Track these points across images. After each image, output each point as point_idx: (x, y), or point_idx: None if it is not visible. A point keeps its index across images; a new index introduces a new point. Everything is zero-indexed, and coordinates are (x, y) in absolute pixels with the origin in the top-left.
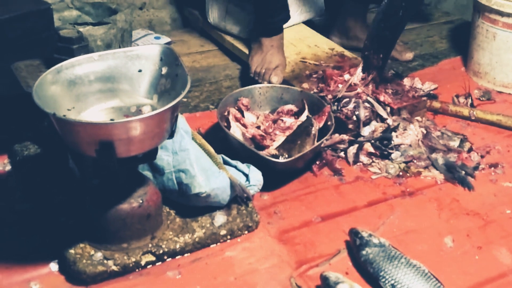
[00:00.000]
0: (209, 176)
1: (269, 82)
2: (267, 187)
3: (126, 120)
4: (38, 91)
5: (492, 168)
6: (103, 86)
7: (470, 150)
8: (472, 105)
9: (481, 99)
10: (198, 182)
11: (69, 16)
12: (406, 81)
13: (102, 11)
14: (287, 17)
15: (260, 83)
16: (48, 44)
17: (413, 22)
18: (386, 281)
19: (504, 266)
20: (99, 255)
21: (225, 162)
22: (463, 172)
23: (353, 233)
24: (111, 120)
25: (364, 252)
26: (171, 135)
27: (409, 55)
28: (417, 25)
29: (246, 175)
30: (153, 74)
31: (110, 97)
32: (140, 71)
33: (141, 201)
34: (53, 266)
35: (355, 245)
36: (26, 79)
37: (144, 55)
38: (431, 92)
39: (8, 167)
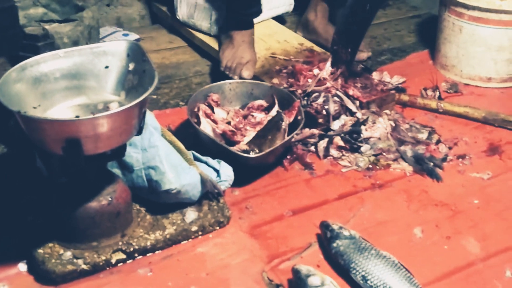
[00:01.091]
0: (179, 172)
1: (240, 76)
2: (238, 182)
3: (93, 116)
4: (2, 89)
5: (460, 159)
6: (69, 83)
7: (438, 142)
8: (439, 98)
9: (448, 91)
10: (168, 179)
11: (35, 14)
12: (375, 75)
13: (69, 8)
14: (259, 11)
15: (231, 77)
16: (13, 42)
17: (381, 16)
18: (357, 273)
19: (472, 255)
20: (68, 254)
21: (196, 158)
22: (432, 164)
23: (324, 226)
24: (77, 117)
25: (335, 245)
26: (139, 132)
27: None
28: (385, 19)
29: (217, 171)
30: (120, 70)
31: (76, 94)
32: (107, 67)
33: (110, 199)
34: (22, 267)
35: (326, 238)
36: None
37: (111, 51)
38: (400, 85)
39: None
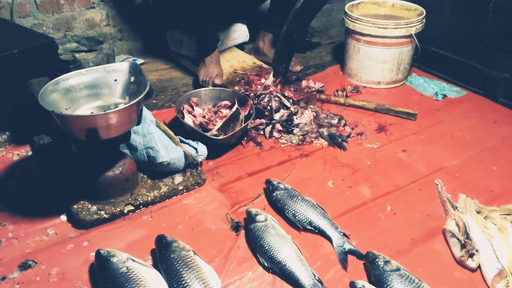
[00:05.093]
0: (169, 150)
1: (213, 85)
2: (211, 156)
3: (103, 113)
4: (42, 97)
5: (359, 136)
6: (90, 92)
7: (344, 125)
8: (346, 96)
9: (352, 91)
10: (161, 155)
11: (70, 47)
12: (304, 82)
13: (94, 42)
14: (217, 40)
15: (206, 86)
16: (53, 66)
17: (311, 44)
18: (289, 212)
19: (365, 198)
20: (94, 208)
21: (182, 141)
22: (340, 139)
23: (268, 182)
24: (92, 113)
25: (274, 194)
26: (138, 123)
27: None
28: (312, 43)
29: (196, 149)
30: (125, 82)
31: (95, 99)
32: (115, 80)
33: (121, 170)
34: (63, 217)
35: (269, 190)
36: (38, 91)
37: (118, 69)
38: (320, 88)
39: (30, 153)
